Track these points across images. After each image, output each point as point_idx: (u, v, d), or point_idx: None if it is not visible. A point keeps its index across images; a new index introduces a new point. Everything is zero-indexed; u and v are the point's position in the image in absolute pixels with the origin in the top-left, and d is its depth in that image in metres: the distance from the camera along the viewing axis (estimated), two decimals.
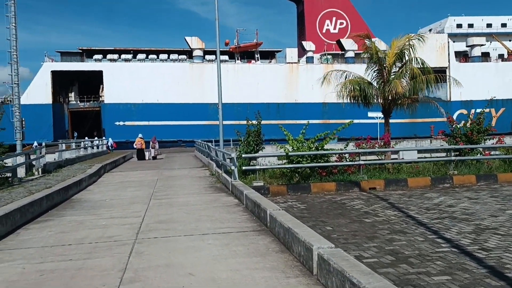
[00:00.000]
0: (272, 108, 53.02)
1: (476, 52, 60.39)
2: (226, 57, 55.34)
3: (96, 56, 54.65)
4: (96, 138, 37.90)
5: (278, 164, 20.54)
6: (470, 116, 17.29)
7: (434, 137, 49.71)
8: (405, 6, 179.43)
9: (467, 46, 62.41)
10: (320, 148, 13.91)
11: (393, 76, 16.32)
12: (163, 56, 56.28)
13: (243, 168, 13.74)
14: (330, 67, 52.08)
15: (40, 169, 15.83)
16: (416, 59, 16.25)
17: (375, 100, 16.71)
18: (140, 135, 28.91)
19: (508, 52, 64.67)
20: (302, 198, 11.98)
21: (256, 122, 16.12)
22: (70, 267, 5.78)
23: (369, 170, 14.86)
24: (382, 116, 35.33)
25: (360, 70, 20.46)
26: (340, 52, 61.49)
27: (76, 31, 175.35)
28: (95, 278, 5.30)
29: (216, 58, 21.66)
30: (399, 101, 16.43)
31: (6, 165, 14.29)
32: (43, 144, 16.68)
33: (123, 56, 54.81)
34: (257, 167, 13.68)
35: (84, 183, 14.38)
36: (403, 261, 6.09)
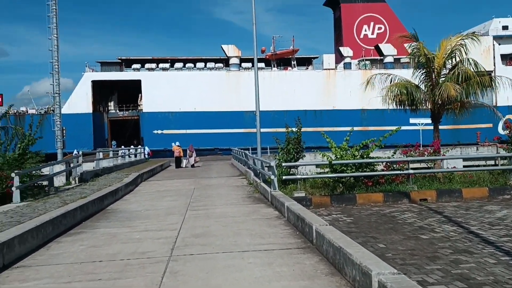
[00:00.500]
0: (309, 115, 52.00)
1: None
2: (262, 65, 54.95)
3: (134, 66, 55.54)
4: (132, 146, 38.17)
5: (318, 173, 19.89)
6: None
7: (481, 144, 47.34)
8: (445, 9, 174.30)
9: None
10: (365, 156, 13.01)
11: (443, 79, 15.19)
12: (200, 64, 56.51)
13: (283, 177, 13.02)
14: (369, 73, 50.68)
15: (77, 178, 15.71)
16: (468, 60, 15.08)
17: (424, 105, 15.60)
18: (177, 143, 29.05)
19: None
20: (348, 210, 11.14)
21: (296, 129, 15.37)
22: None
23: (418, 180, 13.83)
24: (425, 122, 34.15)
25: (402, 74, 19.40)
26: (378, 57, 59.92)
27: (116, 42, 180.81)
28: None
29: (252, 66, 21.20)
30: (450, 106, 15.26)
31: (43, 174, 14.18)
32: (80, 152, 16.53)
33: (160, 65, 55.44)
34: (298, 176, 12.90)
35: (121, 192, 14.08)
36: None
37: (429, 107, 15.68)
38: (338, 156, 12.98)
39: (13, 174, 10.97)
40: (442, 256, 6.60)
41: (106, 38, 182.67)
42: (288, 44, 58.56)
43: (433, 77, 15.47)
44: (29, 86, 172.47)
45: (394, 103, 15.78)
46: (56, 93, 34.30)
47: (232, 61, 55.12)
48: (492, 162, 18.50)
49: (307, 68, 58.65)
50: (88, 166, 20.23)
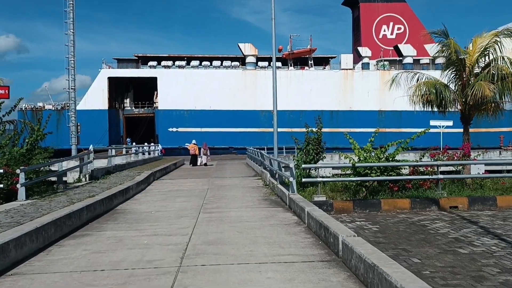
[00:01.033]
0: (325, 116, 50.71)
1: None
2: (279, 64, 54.10)
3: (151, 63, 55.26)
4: (146, 144, 37.79)
5: (335, 175, 18.99)
6: None
7: (504, 147, 45.73)
8: (468, 10, 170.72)
9: None
10: (391, 159, 12.15)
11: (475, 78, 14.20)
12: (216, 62, 55.97)
13: (303, 180, 12.24)
14: (387, 74, 49.48)
15: (87, 176, 15.15)
16: (503, 58, 14.06)
17: (453, 106, 14.62)
18: (193, 141, 29.02)
19: None
20: (372, 217, 10.32)
21: (316, 129, 14.56)
22: None
23: (446, 185, 12.92)
24: (446, 124, 32.93)
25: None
26: (397, 58, 58.55)
27: (133, 39, 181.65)
28: None
29: (269, 65, 20.45)
30: (483, 106, 14.25)
31: (51, 170, 13.64)
32: (91, 148, 15.99)
33: (177, 62, 55.04)
34: (319, 179, 12.08)
35: (131, 191, 13.48)
36: None
37: (459, 108, 14.71)
38: (362, 158, 12.14)
39: (18, 171, 10.42)
40: (489, 277, 5.77)
41: (125, 36, 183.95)
42: (305, 44, 57.73)
43: (464, 76, 14.49)
44: (48, 82, 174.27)
45: (421, 103, 14.86)
46: (72, 88, 33.96)
47: (248, 59, 54.47)
48: None
49: (324, 68, 57.64)
50: (100, 163, 19.73)
